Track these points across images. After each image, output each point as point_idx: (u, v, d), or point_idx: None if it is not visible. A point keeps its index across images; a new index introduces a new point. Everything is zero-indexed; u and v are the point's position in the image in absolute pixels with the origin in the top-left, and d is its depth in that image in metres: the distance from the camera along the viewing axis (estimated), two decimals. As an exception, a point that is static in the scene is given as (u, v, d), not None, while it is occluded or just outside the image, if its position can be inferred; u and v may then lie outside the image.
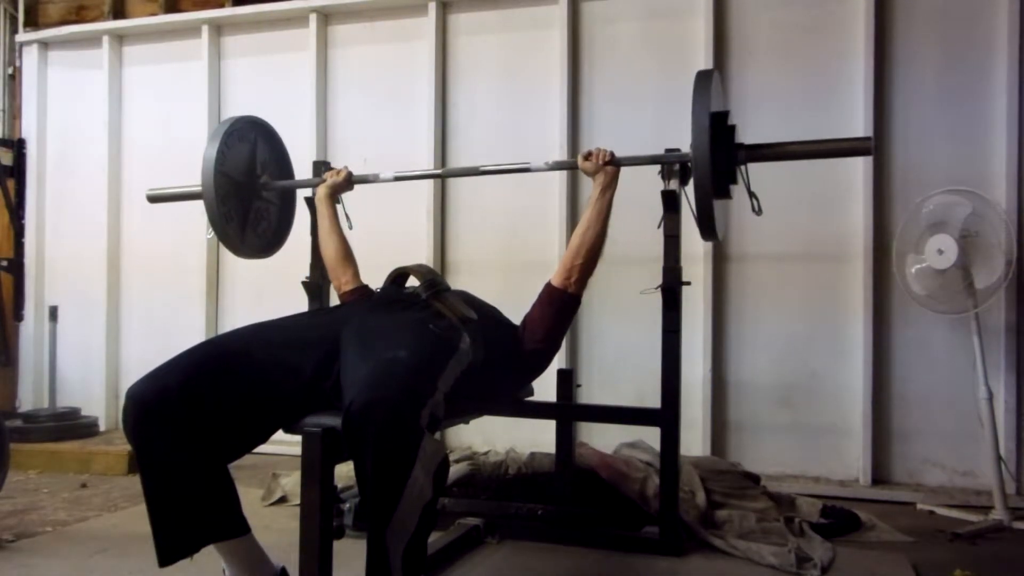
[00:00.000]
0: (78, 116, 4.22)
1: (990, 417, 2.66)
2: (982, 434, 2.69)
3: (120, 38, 4.15)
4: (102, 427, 3.96)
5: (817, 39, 3.17)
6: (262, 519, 2.46)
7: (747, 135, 2.24)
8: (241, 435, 1.66)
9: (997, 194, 2.90)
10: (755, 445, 3.20)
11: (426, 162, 3.54)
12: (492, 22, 3.58)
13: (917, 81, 3.07)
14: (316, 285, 2.70)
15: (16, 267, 4.19)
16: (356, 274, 2.32)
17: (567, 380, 2.63)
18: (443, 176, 3.54)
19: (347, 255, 2.34)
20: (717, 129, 2.06)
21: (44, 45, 4.27)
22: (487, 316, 1.97)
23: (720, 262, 3.25)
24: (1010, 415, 2.92)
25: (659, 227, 2.25)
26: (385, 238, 3.32)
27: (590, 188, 2.15)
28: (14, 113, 4.36)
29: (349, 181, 2.50)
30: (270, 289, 3.66)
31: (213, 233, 2.46)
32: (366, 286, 2.28)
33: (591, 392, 3.29)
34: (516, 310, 2.08)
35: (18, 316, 4.20)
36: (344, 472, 2.37)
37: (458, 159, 3.60)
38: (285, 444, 2.22)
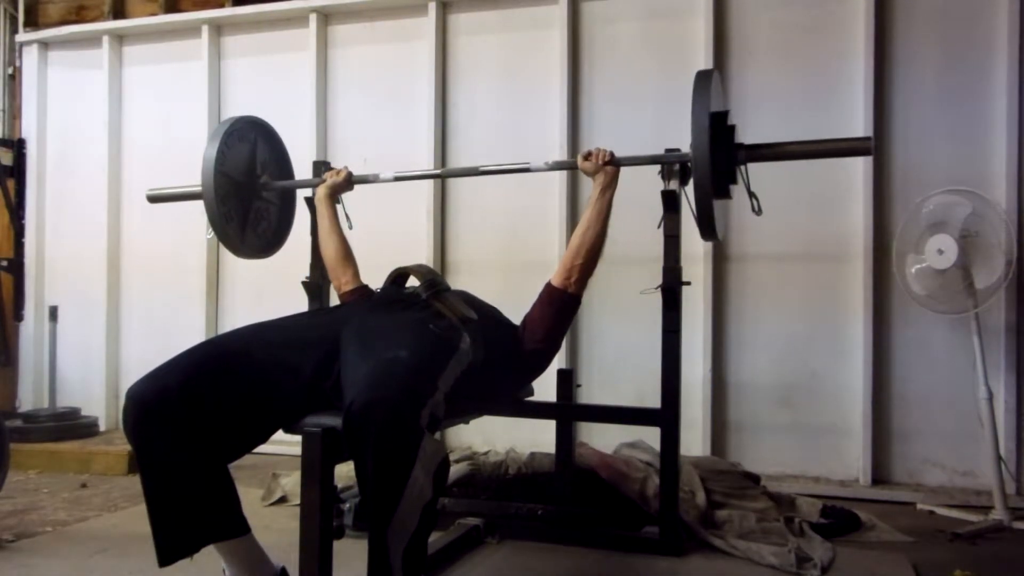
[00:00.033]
0: (78, 116, 4.22)
1: (990, 417, 2.66)
2: (982, 434, 2.69)
3: (120, 38, 4.15)
4: (102, 427, 3.96)
5: (817, 39, 3.17)
6: (262, 519, 2.46)
7: (747, 135, 2.24)
8: (241, 435, 1.66)
9: (997, 194, 2.90)
10: (755, 445, 3.20)
11: (426, 162, 3.54)
12: (492, 22, 3.58)
13: (917, 81, 3.07)
14: (316, 285, 2.70)
15: (16, 267, 4.19)
16: (356, 274, 2.32)
17: (567, 380, 2.63)
18: (443, 176, 3.53)
19: (347, 255, 2.34)
20: (717, 129, 2.06)
21: (44, 45, 4.27)
22: (487, 316, 1.97)
23: (720, 262, 3.25)
24: (1010, 415, 2.92)
25: (659, 227, 2.25)
26: (385, 238, 3.32)
27: (590, 188, 2.15)
28: (14, 113, 4.36)
29: (349, 181, 2.50)
30: (270, 289, 3.66)
31: (213, 233, 2.46)
32: (366, 286, 2.28)
33: (591, 392, 3.29)
34: (516, 310, 2.08)
35: (18, 316, 4.21)
36: (344, 472, 2.37)
37: (458, 159, 3.60)
38: (285, 444, 2.22)
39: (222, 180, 2.41)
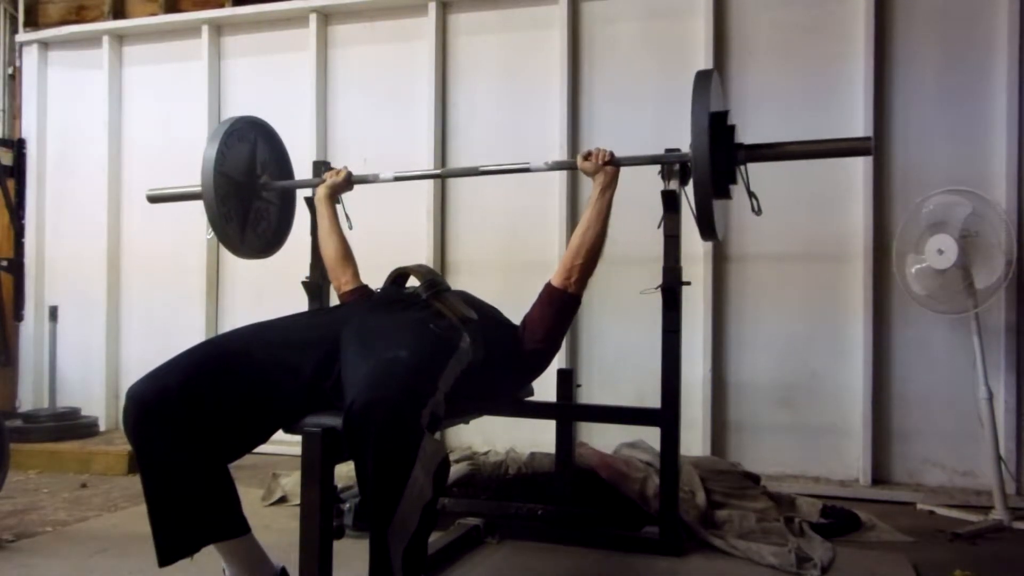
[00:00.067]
0: (78, 116, 4.22)
1: (990, 417, 2.66)
2: (982, 434, 2.69)
3: (120, 38, 4.15)
4: (102, 427, 3.96)
5: (817, 39, 3.17)
6: (262, 519, 2.46)
7: (747, 135, 2.24)
8: (241, 435, 1.66)
9: (997, 194, 2.90)
10: (755, 445, 3.20)
11: (426, 162, 3.54)
12: (492, 22, 3.58)
13: (917, 81, 3.07)
14: (316, 285, 2.70)
15: (16, 267, 4.19)
16: (356, 274, 2.32)
17: (567, 380, 2.63)
18: (443, 176, 3.53)
19: (347, 255, 2.34)
20: (717, 129, 2.06)
21: (44, 45, 4.27)
22: (487, 316, 1.97)
23: (720, 262, 3.25)
24: (1010, 415, 2.92)
25: (659, 227, 2.25)
26: (385, 238, 3.32)
27: (590, 188, 2.15)
28: (14, 113, 4.36)
29: (349, 181, 2.50)
30: (270, 289, 3.66)
31: (213, 233, 2.46)
32: (366, 286, 2.28)
33: (591, 392, 3.29)
34: (516, 310, 2.08)
35: (18, 316, 4.20)
36: (344, 472, 2.37)
37: (458, 159, 3.60)
38: (285, 444, 2.22)
39: (222, 180, 2.41)
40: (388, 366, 1.53)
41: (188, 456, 1.57)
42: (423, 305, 1.89)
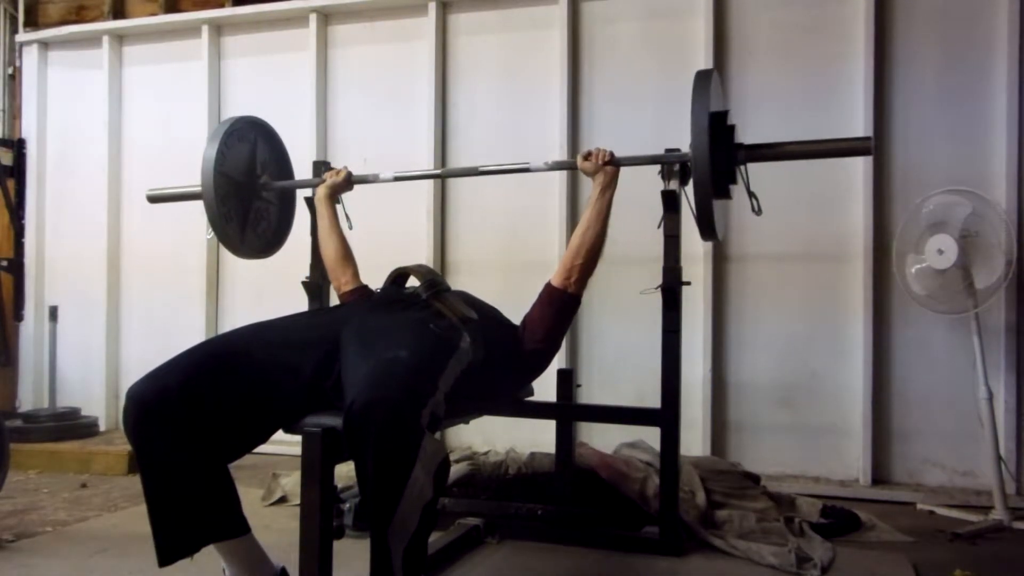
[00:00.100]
0: (78, 116, 4.22)
1: (990, 417, 2.66)
2: (982, 434, 2.69)
3: (120, 38, 4.15)
4: (102, 427, 3.96)
5: (817, 39, 3.17)
6: (262, 519, 2.46)
7: (747, 135, 2.24)
8: (241, 435, 1.66)
9: (997, 194, 2.90)
10: (755, 445, 3.20)
11: (426, 162, 3.54)
12: (492, 22, 3.58)
13: (917, 81, 3.07)
14: (316, 285, 2.70)
15: (16, 267, 4.19)
16: (356, 274, 2.32)
17: (567, 380, 2.63)
18: (443, 176, 3.53)
19: (347, 255, 2.34)
20: (717, 129, 2.06)
21: (44, 45, 4.27)
22: (487, 316, 1.97)
23: (720, 262, 3.25)
24: (1010, 415, 2.92)
25: (659, 227, 2.25)
26: (385, 238, 3.32)
27: (590, 188, 2.15)
28: (14, 113, 4.36)
29: (349, 181, 2.50)
30: (270, 289, 3.66)
31: (213, 233, 2.46)
32: (366, 286, 2.28)
33: (591, 392, 3.29)
34: (516, 310, 2.08)
35: (18, 316, 4.20)
36: (344, 472, 2.37)
37: (458, 159, 3.60)
38: (285, 444, 2.22)
39: (222, 180, 2.41)
40: (388, 366, 1.53)
41: (188, 456, 1.57)
42: (423, 305, 1.89)
